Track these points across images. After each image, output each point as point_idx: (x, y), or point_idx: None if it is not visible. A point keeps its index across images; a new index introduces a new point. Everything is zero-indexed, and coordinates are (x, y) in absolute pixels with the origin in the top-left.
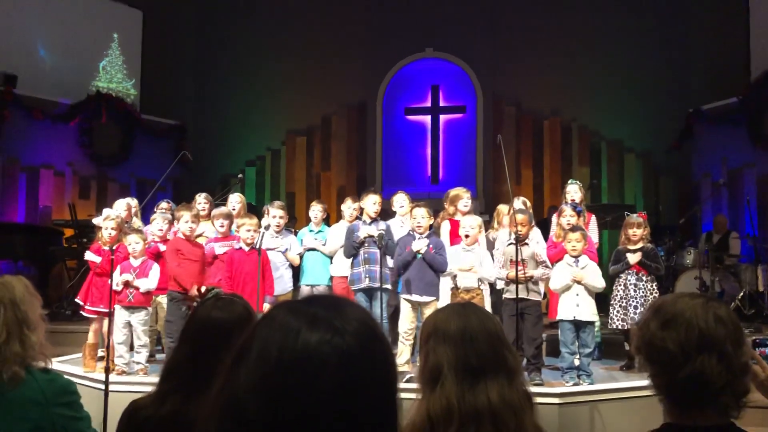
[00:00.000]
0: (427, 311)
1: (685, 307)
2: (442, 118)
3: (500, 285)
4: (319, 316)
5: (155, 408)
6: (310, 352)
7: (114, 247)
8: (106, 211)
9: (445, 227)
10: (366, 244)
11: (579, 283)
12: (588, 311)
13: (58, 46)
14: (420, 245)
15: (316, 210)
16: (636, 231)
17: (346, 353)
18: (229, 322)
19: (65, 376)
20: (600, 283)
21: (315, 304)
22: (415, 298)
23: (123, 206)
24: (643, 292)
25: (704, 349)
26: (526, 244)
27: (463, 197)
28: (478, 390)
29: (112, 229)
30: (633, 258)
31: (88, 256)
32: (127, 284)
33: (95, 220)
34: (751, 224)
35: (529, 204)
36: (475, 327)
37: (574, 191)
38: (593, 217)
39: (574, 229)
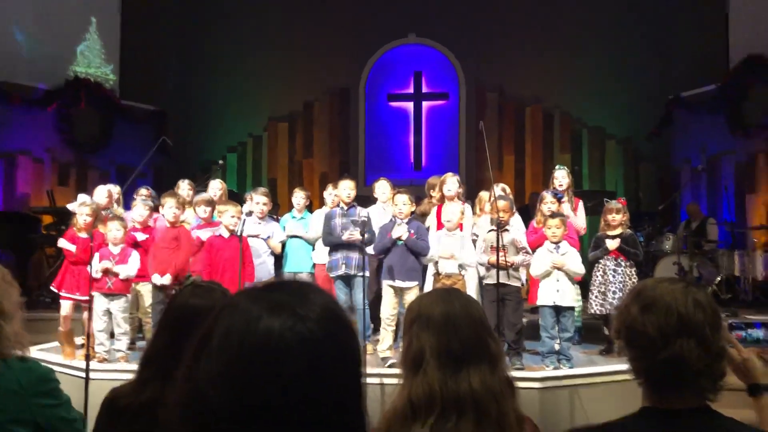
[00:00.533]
0: (409, 296)
1: (665, 291)
2: (425, 104)
3: (482, 272)
4: (282, 303)
5: (135, 396)
6: (273, 340)
7: (92, 234)
8: (81, 197)
9: (434, 213)
10: (344, 231)
11: (559, 269)
12: (568, 297)
13: (35, 30)
14: (400, 232)
15: (299, 197)
16: (615, 216)
17: (309, 339)
18: (207, 309)
19: (43, 365)
20: (580, 269)
21: (277, 290)
22: (398, 283)
23: (104, 193)
24: (621, 277)
25: (683, 333)
26: (507, 230)
27: (447, 182)
28: (461, 377)
29: (87, 215)
30: (612, 244)
31: (62, 243)
32: (106, 271)
33: (70, 206)
34: (728, 210)
35: (509, 190)
36: (458, 313)
37: (561, 176)
38: (581, 203)
39: (553, 215)
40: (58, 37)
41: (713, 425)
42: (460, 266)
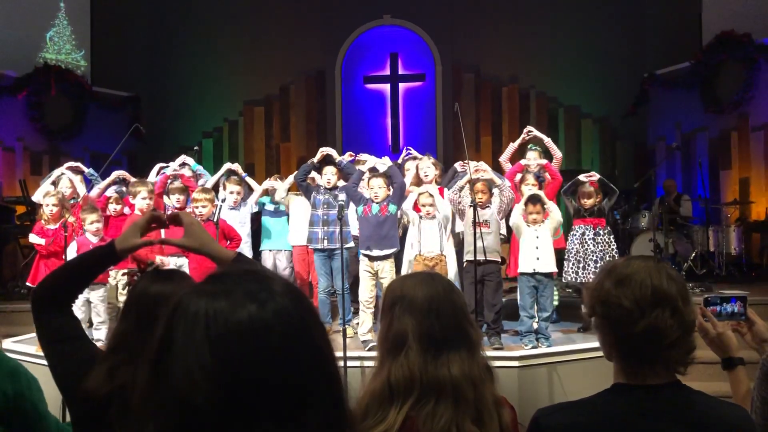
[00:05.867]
0: (384, 273)
1: (637, 267)
2: (402, 86)
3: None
4: (246, 288)
5: (107, 384)
6: (254, 324)
7: (66, 224)
8: (44, 187)
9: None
10: (326, 206)
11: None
12: (548, 264)
13: (2, 16)
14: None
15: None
16: (587, 201)
17: (283, 311)
18: (167, 296)
19: (13, 359)
20: (558, 218)
21: (233, 279)
22: (374, 252)
23: (66, 183)
24: (601, 246)
25: (659, 305)
26: (488, 206)
27: (421, 165)
28: (440, 362)
29: (53, 205)
30: (583, 177)
31: (32, 239)
32: None
33: (35, 198)
34: (703, 187)
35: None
36: (441, 298)
37: (533, 158)
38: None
39: (534, 199)
40: (26, 23)
41: (684, 399)
42: (442, 247)
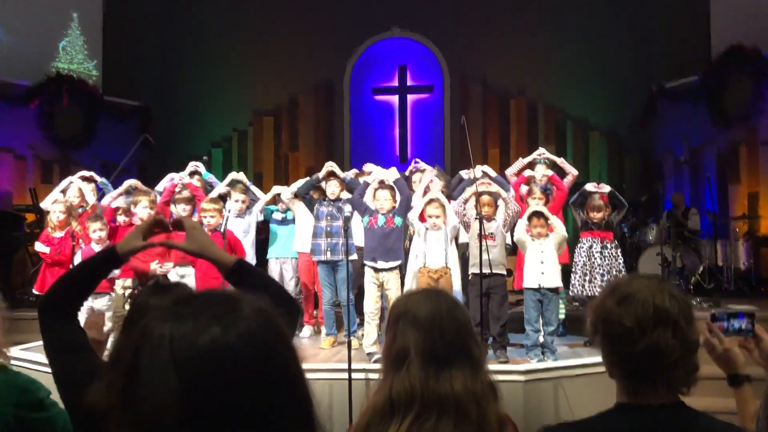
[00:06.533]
0: (390, 285)
1: (640, 286)
2: (410, 97)
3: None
4: (212, 311)
5: (107, 400)
6: (219, 346)
7: (73, 233)
8: (53, 195)
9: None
10: (329, 218)
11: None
12: (553, 279)
13: (16, 26)
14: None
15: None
16: (596, 214)
17: (248, 334)
18: None
19: (27, 376)
20: (563, 233)
21: (200, 302)
22: (380, 264)
23: (74, 192)
24: (609, 260)
25: (660, 324)
26: (494, 219)
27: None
28: (443, 378)
29: (60, 212)
30: (590, 186)
31: (38, 247)
32: None
33: (43, 205)
34: (711, 201)
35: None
36: (444, 315)
37: (541, 171)
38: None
39: (537, 214)
40: (39, 32)
41: (685, 420)
42: (447, 259)
